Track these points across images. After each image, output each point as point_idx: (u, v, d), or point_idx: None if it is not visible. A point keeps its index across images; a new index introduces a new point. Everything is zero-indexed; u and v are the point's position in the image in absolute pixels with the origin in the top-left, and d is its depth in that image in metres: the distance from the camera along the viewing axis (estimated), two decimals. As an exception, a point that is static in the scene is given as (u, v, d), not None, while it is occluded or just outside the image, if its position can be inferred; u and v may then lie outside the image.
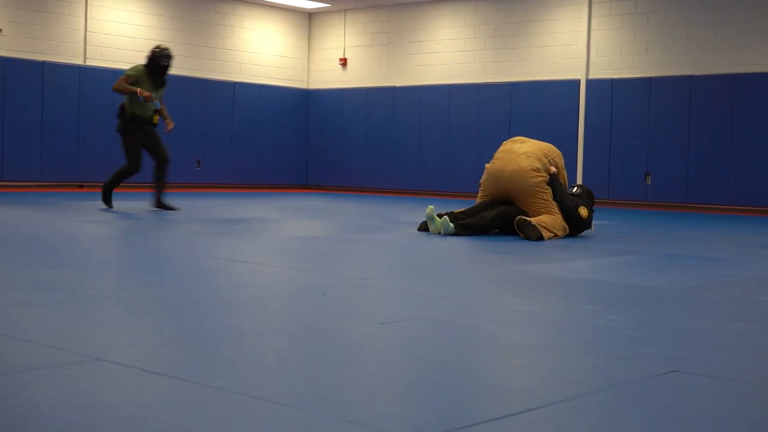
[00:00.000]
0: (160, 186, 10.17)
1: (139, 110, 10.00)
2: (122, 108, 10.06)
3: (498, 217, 7.92)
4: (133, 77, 10.02)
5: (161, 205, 10.06)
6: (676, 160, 14.54)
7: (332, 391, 2.45)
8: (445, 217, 7.84)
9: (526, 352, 3.08)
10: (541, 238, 7.59)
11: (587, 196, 8.44)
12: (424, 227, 8.09)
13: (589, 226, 8.21)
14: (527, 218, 7.72)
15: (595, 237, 8.10)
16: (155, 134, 10.22)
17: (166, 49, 10.21)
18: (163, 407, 2.28)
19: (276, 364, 2.78)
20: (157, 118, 10.18)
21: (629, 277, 5.34)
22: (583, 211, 8.08)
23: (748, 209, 13.89)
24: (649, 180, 14.82)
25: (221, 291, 4.34)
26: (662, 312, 4.01)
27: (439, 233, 7.82)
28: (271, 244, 6.92)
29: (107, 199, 10.16)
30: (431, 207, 7.96)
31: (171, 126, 10.32)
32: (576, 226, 8.05)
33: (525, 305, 4.08)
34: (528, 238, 7.58)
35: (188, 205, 11.51)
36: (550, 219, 7.86)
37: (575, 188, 8.54)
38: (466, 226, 7.84)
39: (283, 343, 3.14)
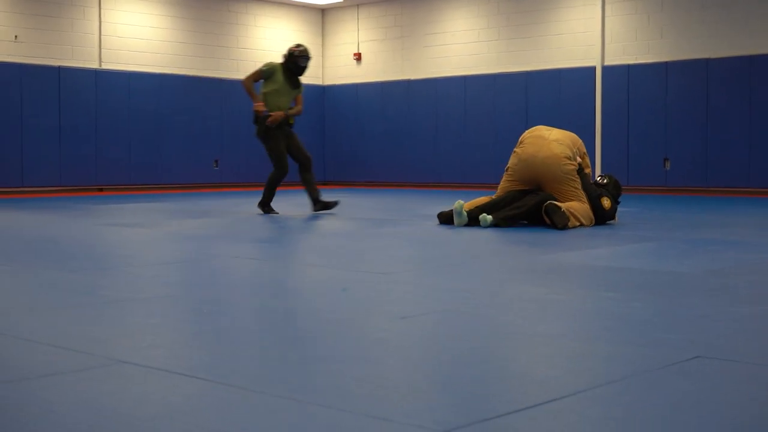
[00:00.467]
0: (312, 187, 9.78)
1: (276, 104, 9.65)
2: (256, 113, 9.66)
3: (539, 204, 7.80)
4: (266, 72, 9.62)
5: (322, 206, 9.67)
6: (695, 144, 14.46)
7: (355, 387, 2.44)
8: (484, 214, 7.73)
9: (549, 341, 3.07)
10: (566, 227, 7.51)
11: (614, 187, 8.33)
12: (444, 219, 8.02)
13: (611, 218, 8.10)
14: (558, 203, 7.65)
15: (616, 224, 8.07)
16: (293, 134, 9.86)
17: (305, 49, 9.74)
18: (187, 408, 2.28)
19: (298, 361, 2.78)
20: (293, 118, 9.84)
21: (651, 264, 5.32)
22: (606, 202, 7.98)
23: (766, 191, 13.80)
24: (668, 165, 14.75)
25: (241, 290, 4.34)
26: (684, 298, 3.99)
27: (475, 225, 7.72)
28: (291, 242, 6.92)
29: (267, 210, 9.81)
30: (460, 202, 7.86)
31: (276, 116, 9.61)
32: (598, 216, 7.98)
33: (547, 295, 4.07)
34: (554, 225, 7.50)
35: (207, 205, 11.54)
36: (580, 207, 7.80)
37: (603, 178, 8.43)
38: (508, 218, 7.74)
39: (304, 339, 3.14)
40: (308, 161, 9.87)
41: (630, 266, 5.20)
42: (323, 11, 19.30)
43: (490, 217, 7.67)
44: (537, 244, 6.49)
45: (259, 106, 9.50)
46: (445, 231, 7.48)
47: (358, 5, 18.72)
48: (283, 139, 9.71)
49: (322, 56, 19.40)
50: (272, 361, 2.78)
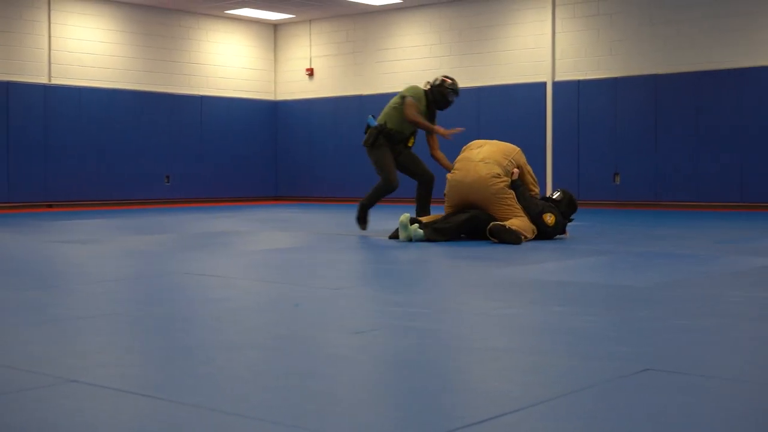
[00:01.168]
0: (425, 204, 9.19)
1: (398, 126, 9.00)
2: (368, 125, 9.12)
3: (469, 221, 7.88)
4: (416, 98, 8.95)
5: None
6: (645, 158, 14.64)
7: (307, 403, 2.44)
8: (415, 225, 7.81)
9: (501, 355, 3.09)
10: (519, 241, 7.56)
11: (567, 204, 8.24)
12: (395, 235, 8.06)
13: (561, 232, 8.13)
14: (501, 223, 7.69)
15: (568, 238, 8.13)
16: (411, 154, 9.32)
17: (455, 84, 9.08)
18: (138, 428, 2.26)
19: (250, 378, 2.77)
20: (413, 141, 9.25)
21: (603, 277, 5.37)
22: (549, 218, 7.95)
23: (715, 205, 14.00)
24: (618, 179, 14.91)
25: (193, 306, 4.32)
26: (636, 311, 4.03)
27: (410, 240, 7.79)
28: (242, 257, 6.90)
29: (362, 219, 9.16)
30: (406, 215, 7.92)
31: (447, 132, 9.03)
32: (541, 232, 7.94)
33: (499, 309, 4.09)
34: (506, 243, 7.54)
35: (158, 221, 11.46)
36: (519, 222, 7.82)
37: (557, 193, 8.36)
38: (436, 230, 7.81)
39: (257, 356, 3.13)
40: (430, 180, 9.33)
41: (581, 280, 5.24)
42: (275, 26, 19.29)
43: (421, 231, 7.74)
44: (489, 258, 6.53)
45: (442, 130, 8.96)
46: (397, 246, 7.49)
47: (310, 20, 18.73)
48: (395, 155, 9.24)
49: (275, 71, 19.37)
50: (224, 379, 2.76)
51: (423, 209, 9.05)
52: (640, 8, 14.73)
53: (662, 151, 14.49)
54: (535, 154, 14.21)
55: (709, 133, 14.06)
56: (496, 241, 7.61)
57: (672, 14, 14.43)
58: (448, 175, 8.38)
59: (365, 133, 9.15)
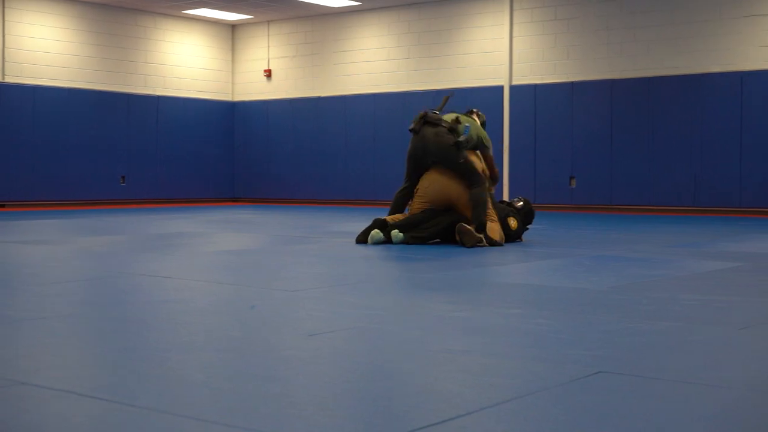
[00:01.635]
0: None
1: None
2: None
3: (450, 227, 7.88)
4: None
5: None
6: (600, 162, 14.76)
7: (261, 405, 2.43)
8: (396, 230, 7.77)
9: (455, 358, 3.09)
10: (476, 245, 7.58)
11: (527, 214, 8.37)
12: (363, 239, 7.97)
13: (514, 239, 8.19)
14: (468, 225, 7.71)
15: (523, 241, 8.18)
16: None
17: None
18: (89, 430, 2.24)
19: (204, 380, 2.75)
20: None
21: (557, 280, 5.40)
22: (513, 222, 8.08)
23: (669, 209, 14.15)
24: (573, 183, 15.02)
25: (147, 308, 4.28)
26: (589, 314, 4.06)
27: (377, 244, 7.74)
28: (198, 258, 6.86)
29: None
30: (378, 232, 7.82)
31: None
32: (505, 235, 8.06)
33: (454, 311, 4.10)
34: (462, 244, 7.58)
35: (113, 222, 11.36)
36: (492, 225, 7.88)
37: (520, 203, 8.44)
38: (416, 237, 7.81)
39: (211, 358, 3.11)
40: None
41: (536, 283, 5.27)
42: (233, 27, 19.20)
43: (401, 234, 7.73)
44: (445, 261, 6.54)
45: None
46: (354, 249, 7.48)
47: (268, 21, 18.67)
48: None
49: (232, 72, 19.29)
50: (177, 382, 2.74)
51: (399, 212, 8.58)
52: (597, 14, 14.85)
53: (617, 155, 14.62)
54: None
55: (664, 138, 14.21)
56: (458, 238, 7.62)
57: (628, 20, 14.56)
58: (425, 173, 8.24)
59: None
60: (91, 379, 2.77)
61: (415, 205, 8.20)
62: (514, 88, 15.58)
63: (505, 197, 15.14)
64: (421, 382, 2.80)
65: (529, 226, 8.50)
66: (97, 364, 3.02)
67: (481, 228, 7.68)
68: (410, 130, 8.31)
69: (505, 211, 8.12)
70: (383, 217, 8.03)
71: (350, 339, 3.47)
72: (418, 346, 3.32)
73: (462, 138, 8.10)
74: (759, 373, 2.91)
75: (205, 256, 7.09)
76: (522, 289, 4.99)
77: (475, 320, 3.92)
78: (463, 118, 8.38)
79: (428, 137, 8.12)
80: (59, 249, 7.54)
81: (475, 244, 7.57)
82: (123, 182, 17.17)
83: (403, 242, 7.75)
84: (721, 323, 3.85)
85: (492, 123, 15.61)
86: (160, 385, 2.68)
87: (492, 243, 7.72)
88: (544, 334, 3.55)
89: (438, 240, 8.03)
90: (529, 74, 15.52)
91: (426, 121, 8.23)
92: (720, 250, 7.55)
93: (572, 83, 15.05)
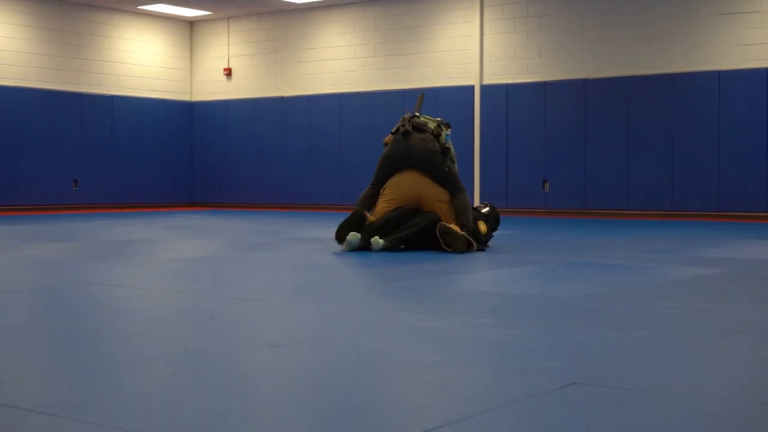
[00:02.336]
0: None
1: None
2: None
3: (429, 227, 7.86)
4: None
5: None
6: (574, 166, 14.83)
7: (219, 421, 2.41)
8: (376, 237, 7.72)
9: (423, 370, 3.08)
10: (466, 249, 7.57)
11: (494, 220, 8.42)
12: (344, 233, 7.84)
13: (484, 244, 8.17)
14: (451, 226, 7.68)
15: (494, 247, 8.19)
16: None
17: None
18: (34, 447, 2.21)
19: (158, 395, 2.72)
20: None
21: (529, 288, 5.41)
22: (482, 227, 8.09)
23: (645, 213, 14.24)
24: (547, 187, 15.09)
25: (100, 318, 4.24)
26: (562, 323, 4.06)
27: (353, 250, 7.71)
28: (154, 266, 6.81)
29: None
30: (356, 235, 7.73)
31: None
32: (474, 239, 8.04)
33: (421, 321, 4.09)
34: (448, 247, 7.57)
35: (65, 228, 11.27)
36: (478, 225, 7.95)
37: (486, 208, 8.46)
38: (399, 239, 7.79)
39: (166, 371, 3.08)
40: None
41: (507, 291, 5.28)
42: (191, 23, 19.13)
43: (382, 241, 7.68)
44: (413, 268, 6.54)
45: None
46: (318, 255, 7.47)
47: (228, 18, 18.62)
48: None
49: (191, 71, 19.21)
50: (130, 396, 2.71)
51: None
52: (570, 11, 14.93)
53: (592, 157, 14.70)
54: (462, 160, 14.30)
55: (640, 139, 14.31)
56: (442, 242, 7.60)
57: (602, 17, 14.66)
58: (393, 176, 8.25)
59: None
60: (37, 394, 2.73)
61: (381, 205, 8.15)
62: (485, 88, 15.63)
63: (476, 202, 15.16)
64: (388, 396, 2.79)
65: (494, 233, 8.52)
66: (47, 378, 2.99)
67: (469, 233, 7.72)
68: (401, 132, 8.27)
69: (475, 214, 8.17)
70: (363, 212, 7.96)
71: (313, 350, 3.45)
72: (384, 358, 3.31)
73: (447, 145, 8.19)
74: (738, 383, 2.92)
75: (162, 264, 7.04)
76: (492, 298, 4.99)
77: (443, 330, 3.92)
78: (443, 122, 8.46)
79: (415, 142, 8.16)
80: (6, 257, 7.46)
81: (467, 248, 7.55)
82: (75, 186, 17.03)
83: (384, 248, 7.69)
84: (700, 332, 3.87)
85: (462, 124, 15.65)
86: (112, 400, 2.65)
87: (480, 241, 7.77)
88: (515, 344, 3.55)
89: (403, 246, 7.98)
90: (501, 73, 15.58)
91: (413, 125, 8.27)
92: (698, 255, 7.60)
93: (545, 83, 15.12)
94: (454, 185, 8.10)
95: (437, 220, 7.88)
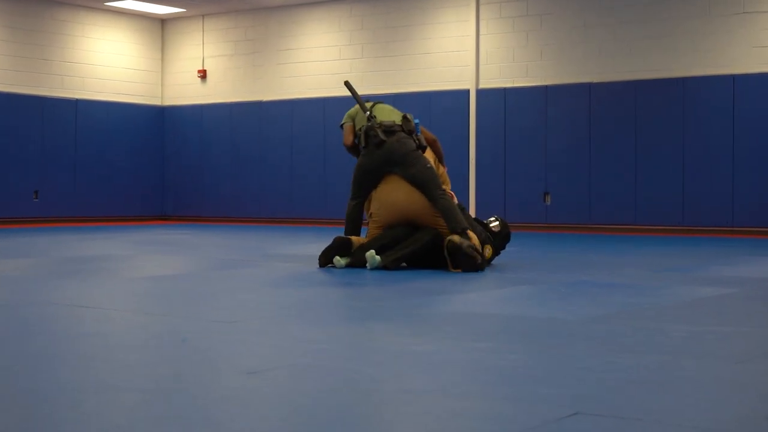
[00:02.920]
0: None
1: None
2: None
3: (431, 243, 7.78)
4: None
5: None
6: (578, 177, 14.85)
7: (192, 455, 2.40)
8: (371, 251, 7.67)
9: (415, 399, 3.08)
10: (476, 267, 7.47)
11: (504, 237, 8.32)
12: (325, 261, 7.87)
13: (487, 265, 8.08)
14: (457, 238, 7.51)
15: (491, 265, 8.18)
16: None
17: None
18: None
19: (126, 426, 2.71)
20: None
21: (529, 309, 5.41)
22: (488, 251, 7.94)
23: (654, 228, 14.27)
24: (548, 200, 15.11)
25: (60, 342, 4.23)
26: (565, 347, 4.06)
27: (343, 267, 7.69)
28: (121, 285, 6.79)
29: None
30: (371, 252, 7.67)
31: None
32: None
33: (414, 345, 4.09)
34: (459, 267, 7.50)
35: (25, 243, 11.24)
36: (473, 235, 7.78)
37: (495, 222, 8.36)
38: (398, 258, 7.73)
39: (134, 399, 3.07)
40: None
41: (506, 312, 5.28)
42: (163, 21, 19.14)
43: (378, 257, 7.63)
44: (404, 287, 6.53)
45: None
46: (299, 275, 7.45)
47: (203, 15, 18.63)
48: None
49: (162, 73, 19.21)
50: (95, 427, 2.70)
51: (358, 230, 8.50)
52: (574, 9, 14.98)
53: (597, 168, 14.72)
54: (456, 170, 14.31)
55: (649, 148, 14.34)
56: (449, 262, 7.55)
57: (608, 16, 14.71)
58: (374, 193, 8.21)
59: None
60: (-5, 425, 2.72)
61: (372, 231, 8.12)
62: (481, 93, 15.66)
63: (473, 215, 15.16)
64: (377, 427, 2.79)
65: (500, 251, 8.47)
66: (4, 406, 2.98)
67: (465, 233, 7.61)
68: (375, 144, 8.22)
69: (482, 235, 8.01)
70: (348, 239, 7.93)
71: (295, 377, 3.45)
72: (373, 386, 3.30)
73: (420, 137, 8.28)
74: (756, 413, 2.92)
75: (130, 282, 7.02)
76: (489, 320, 4.99)
77: (437, 355, 3.91)
78: (407, 115, 8.46)
79: (393, 147, 8.16)
80: (-39, 274, 7.44)
81: (477, 266, 7.47)
82: (36, 198, 16.99)
83: (380, 267, 7.65)
84: (714, 357, 3.88)
85: (457, 131, 15.67)
86: (70, 428, 2.64)
87: (483, 257, 7.65)
88: (515, 370, 3.55)
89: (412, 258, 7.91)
90: (498, 77, 15.61)
91: (384, 130, 8.26)
92: (711, 274, 7.61)
93: (546, 87, 15.16)
94: (433, 185, 8.01)
95: (439, 236, 7.79)
